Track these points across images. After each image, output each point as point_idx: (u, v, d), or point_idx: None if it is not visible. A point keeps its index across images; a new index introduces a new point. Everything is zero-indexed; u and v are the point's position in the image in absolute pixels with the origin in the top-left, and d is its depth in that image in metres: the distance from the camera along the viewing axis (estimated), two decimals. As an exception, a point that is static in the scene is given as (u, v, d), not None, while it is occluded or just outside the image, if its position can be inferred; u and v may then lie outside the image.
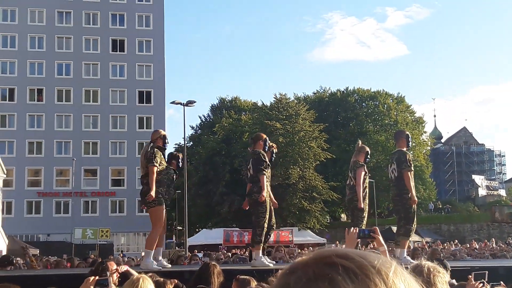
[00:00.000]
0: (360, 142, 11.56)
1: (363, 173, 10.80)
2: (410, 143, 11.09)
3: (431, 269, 3.65)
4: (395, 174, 10.59)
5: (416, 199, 10.55)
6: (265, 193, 9.95)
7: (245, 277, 5.56)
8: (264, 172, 9.98)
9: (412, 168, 10.62)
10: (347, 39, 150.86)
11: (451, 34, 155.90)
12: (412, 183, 10.49)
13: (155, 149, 9.80)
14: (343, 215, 74.20)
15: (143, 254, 11.26)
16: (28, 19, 66.69)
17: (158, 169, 9.64)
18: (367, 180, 11.10)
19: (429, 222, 67.65)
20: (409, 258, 10.48)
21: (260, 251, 9.90)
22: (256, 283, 5.48)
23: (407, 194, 10.48)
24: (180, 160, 10.88)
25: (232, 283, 5.80)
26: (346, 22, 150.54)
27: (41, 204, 63.93)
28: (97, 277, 4.47)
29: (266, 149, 10.43)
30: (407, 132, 11.25)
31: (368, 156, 11.09)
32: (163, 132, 10.26)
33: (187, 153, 50.30)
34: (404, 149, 10.71)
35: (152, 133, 10.37)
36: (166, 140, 10.13)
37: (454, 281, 6.20)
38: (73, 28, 67.30)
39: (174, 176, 10.47)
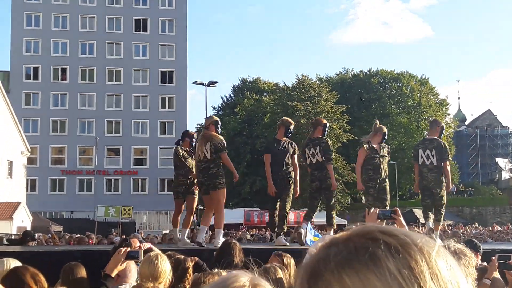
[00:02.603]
0: (378, 122, 11.47)
1: (365, 154, 10.74)
2: (442, 134, 11.29)
3: (457, 251, 3.65)
4: (434, 162, 10.65)
5: (452, 186, 10.87)
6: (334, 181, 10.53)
7: (283, 253, 5.58)
8: (332, 161, 10.58)
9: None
10: (370, 20, 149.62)
11: (476, 15, 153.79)
12: None
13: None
14: (363, 197, 74.08)
15: (164, 231, 11.49)
16: (52, -2, 67.05)
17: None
18: (386, 162, 11.06)
19: (451, 204, 67.15)
20: (439, 240, 10.53)
21: (331, 231, 10.54)
22: (291, 259, 5.49)
23: (445, 183, 10.76)
24: (193, 139, 10.95)
25: (252, 261, 5.84)
26: (370, 3, 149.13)
27: (65, 182, 64.69)
28: (128, 249, 4.52)
29: (324, 134, 10.77)
30: (443, 125, 11.37)
31: (386, 137, 11.06)
32: (216, 118, 10.49)
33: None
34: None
35: (206, 119, 10.67)
36: (219, 125, 10.27)
37: (485, 263, 6.17)
38: (96, 8, 67.50)
39: (185, 153, 10.66)
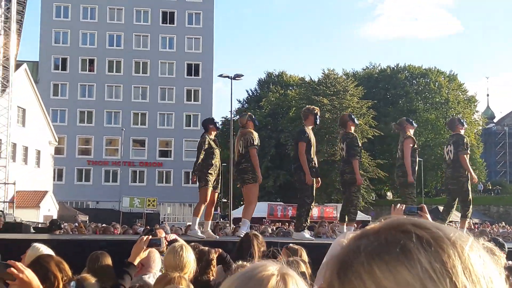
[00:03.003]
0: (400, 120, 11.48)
1: (411, 144, 10.71)
2: (464, 123, 11.13)
3: (485, 250, 3.61)
4: (451, 156, 10.59)
5: (476, 177, 10.64)
6: (359, 176, 10.49)
7: (295, 246, 5.61)
8: (357, 156, 10.53)
9: (469, 152, 10.64)
10: (399, 14, 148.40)
11: (506, 10, 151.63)
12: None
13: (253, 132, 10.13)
14: (389, 193, 73.69)
15: (188, 223, 11.50)
16: (81, -11, 67.64)
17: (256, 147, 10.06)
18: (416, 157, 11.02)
19: (478, 203, 66.45)
20: None
21: (352, 226, 10.49)
22: (305, 253, 5.51)
23: (464, 177, 10.57)
24: (216, 124, 10.92)
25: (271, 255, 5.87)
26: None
27: (91, 172, 65.36)
28: (150, 237, 4.55)
29: (356, 125, 11.00)
30: (458, 116, 11.27)
31: (414, 124, 11.12)
32: (249, 113, 10.68)
33: (233, 127, 50.50)
34: (462, 132, 10.82)
35: (240, 117, 10.81)
36: (255, 119, 10.42)
37: (511, 262, 6.12)
38: (124, 0, 67.90)
39: (213, 144, 10.64)
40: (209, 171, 10.38)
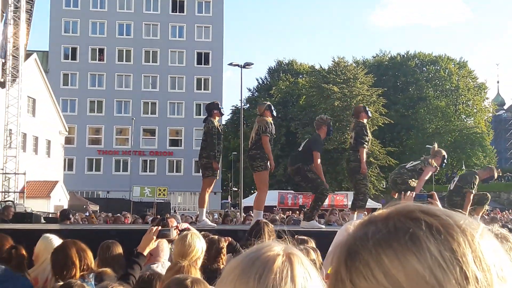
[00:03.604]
0: (436, 145, 11.57)
1: (429, 173, 10.91)
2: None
3: (499, 236, 3.60)
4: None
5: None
6: (364, 165, 10.49)
7: (303, 237, 5.61)
8: (365, 145, 10.52)
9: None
10: (409, 1, 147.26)
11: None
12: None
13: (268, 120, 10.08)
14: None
15: (198, 213, 11.46)
16: (90, -21, 67.62)
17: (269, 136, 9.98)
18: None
19: (488, 190, 65.90)
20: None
21: (361, 214, 10.50)
22: (313, 243, 5.52)
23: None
24: (220, 108, 10.86)
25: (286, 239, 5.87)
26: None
27: (101, 161, 65.59)
28: (159, 227, 4.60)
29: (368, 118, 10.99)
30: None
31: (445, 161, 11.15)
32: (268, 102, 10.51)
33: (243, 115, 50.52)
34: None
35: (259, 105, 10.59)
36: (273, 109, 10.32)
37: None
38: (134, -12, 67.91)
39: (219, 129, 10.60)
40: (215, 159, 10.36)
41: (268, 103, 10.46)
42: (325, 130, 10.49)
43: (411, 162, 11.45)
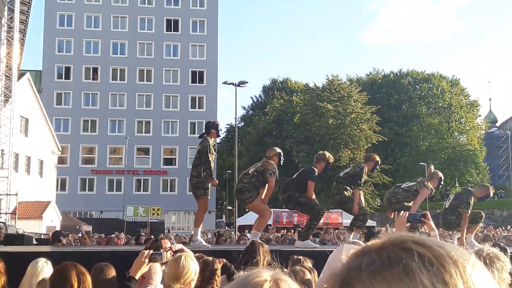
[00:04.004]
0: (432, 167, 11.69)
1: (425, 196, 11.18)
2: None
3: (491, 255, 3.57)
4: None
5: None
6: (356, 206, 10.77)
7: (299, 257, 5.55)
8: (360, 188, 10.90)
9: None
10: (401, 20, 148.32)
11: (508, 14, 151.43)
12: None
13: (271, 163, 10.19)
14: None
15: (193, 232, 11.38)
16: (84, -1, 67.80)
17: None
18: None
19: (482, 207, 65.81)
20: (476, 242, 10.73)
21: (358, 234, 10.88)
22: (310, 263, 5.46)
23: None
24: (219, 128, 10.79)
25: (278, 263, 5.80)
26: (401, 2, 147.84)
27: (95, 181, 65.31)
28: (151, 251, 4.57)
29: (372, 171, 11.50)
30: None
31: (441, 183, 11.29)
32: (279, 150, 10.53)
33: (238, 134, 50.49)
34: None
35: (269, 150, 10.63)
36: (282, 157, 10.42)
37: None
38: (128, 8, 68.07)
39: (212, 149, 10.52)
40: (206, 185, 10.33)
41: (279, 151, 10.50)
42: (323, 166, 10.66)
43: (407, 182, 11.50)
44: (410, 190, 10.98)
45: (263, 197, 10.17)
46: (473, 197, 11.03)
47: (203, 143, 10.33)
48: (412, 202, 10.83)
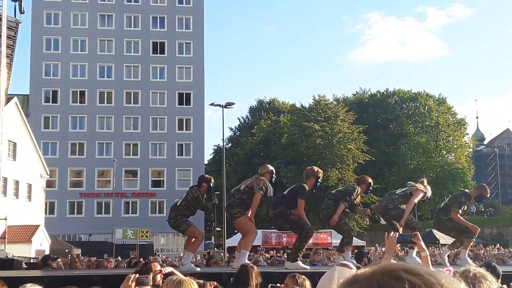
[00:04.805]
0: (425, 180, 11.81)
1: (420, 196, 11.21)
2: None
3: (477, 275, 3.61)
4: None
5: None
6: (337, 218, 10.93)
7: (300, 275, 5.58)
8: (346, 204, 11.02)
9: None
10: (387, 39, 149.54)
11: (493, 33, 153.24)
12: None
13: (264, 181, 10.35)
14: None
15: (181, 254, 11.52)
16: (71, 22, 67.90)
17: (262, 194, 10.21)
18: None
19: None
20: (469, 259, 10.75)
21: (349, 252, 10.90)
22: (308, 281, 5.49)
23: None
24: (211, 184, 11.09)
25: (268, 285, 5.84)
26: (386, 22, 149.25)
27: (83, 204, 64.98)
28: (137, 275, 4.58)
29: (367, 192, 11.68)
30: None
31: (428, 196, 11.45)
32: (271, 168, 10.74)
33: (226, 155, 50.53)
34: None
35: (261, 167, 10.89)
36: (274, 174, 10.59)
37: (505, 286, 6.09)
38: (114, 31, 68.26)
39: (201, 202, 10.88)
40: (185, 218, 10.77)
41: (272, 168, 10.68)
42: (313, 182, 10.76)
43: (400, 189, 11.63)
44: (406, 194, 11.15)
45: (249, 214, 10.28)
46: (467, 197, 11.06)
47: (193, 194, 10.75)
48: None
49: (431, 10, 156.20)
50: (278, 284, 5.76)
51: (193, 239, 10.95)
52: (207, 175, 11.66)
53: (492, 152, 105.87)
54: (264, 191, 10.17)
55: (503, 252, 26.04)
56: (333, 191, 11.87)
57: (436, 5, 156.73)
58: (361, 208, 12.07)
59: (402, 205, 10.99)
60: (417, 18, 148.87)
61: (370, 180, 11.47)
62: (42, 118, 65.33)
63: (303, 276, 5.55)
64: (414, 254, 10.68)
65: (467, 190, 11.37)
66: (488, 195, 11.20)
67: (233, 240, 49.97)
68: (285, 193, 10.76)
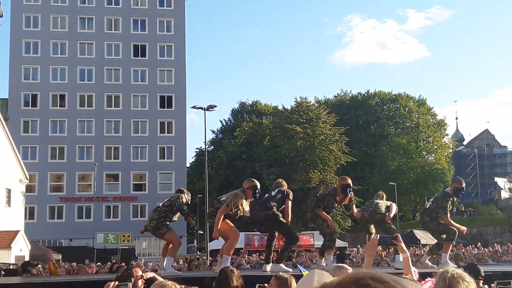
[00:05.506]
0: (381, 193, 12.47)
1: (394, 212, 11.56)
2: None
3: (455, 276, 3.62)
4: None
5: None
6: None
7: (285, 276, 5.53)
8: (321, 207, 11.22)
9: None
10: (367, 41, 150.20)
11: (472, 35, 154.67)
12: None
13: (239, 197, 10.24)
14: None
15: (160, 262, 11.52)
16: (51, 25, 67.37)
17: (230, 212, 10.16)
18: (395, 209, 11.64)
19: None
20: (450, 262, 10.85)
21: (331, 256, 11.09)
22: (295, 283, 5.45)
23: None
24: (189, 199, 11.30)
25: (256, 286, 5.81)
26: (366, 24, 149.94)
27: (64, 209, 64.42)
28: (117, 283, 4.52)
29: (346, 193, 11.42)
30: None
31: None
32: (255, 183, 10.49)
33: (208, 157, 50.38)
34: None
35: (246, 181, 10.70)
36: (257, 190, 10.38)
37: (486, 286, 6.11)
38: (95, 34, 67.83)
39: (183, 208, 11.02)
40: (168, 222, 10.87)
41: (255, 184, 10.42)
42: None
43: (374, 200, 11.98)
44: (387, 207, 11.41)
45: (219, 224, 10.25)
46: (449, 199, 11.15)
47: (179, 201, 10.88)
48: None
49: (410, 12, 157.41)
50: (265, 285, 5.73)
51: (171, 245, 10.93)
52: (183, 189, 11.81)
53: (472, 152, 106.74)
54: (233, 210, 10.10)
55: (483, 251, 26.22)
56: (320, 193, 12.39)
57: (416, 8, 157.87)
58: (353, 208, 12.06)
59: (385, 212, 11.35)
60: (397, 20, 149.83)
61: (347, 182, 11.43)
62: (22, 122, 64.73)
63: (288, 276, 5.52)
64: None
65: (447, 190, 11.42)
66: (462, 186, 11.26)
67: (216, 243, 49.84)
68: (273, 195, 10.74)
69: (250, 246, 40.64)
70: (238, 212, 10.15)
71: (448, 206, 11.07)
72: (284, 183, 11.19)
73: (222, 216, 10.14)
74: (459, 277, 3.61)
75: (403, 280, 0.85)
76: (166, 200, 11.23)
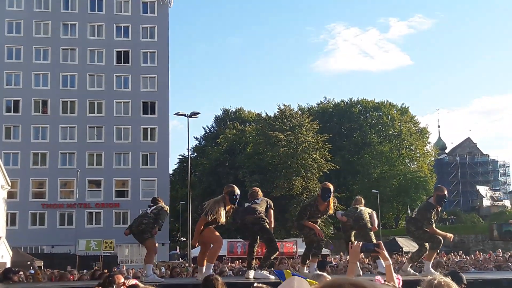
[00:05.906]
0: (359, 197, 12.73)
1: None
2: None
3: (442, 283, 3.67)
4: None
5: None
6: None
7: (262, 285, 5.56)
8: (303, 221, 11.11)
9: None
10: (350, 49, 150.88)
11: (454, 44, 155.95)
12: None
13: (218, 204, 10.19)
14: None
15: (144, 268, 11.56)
16: (33, 31, 67.00)
17: (209, 220, 10.10)
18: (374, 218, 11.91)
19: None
20: (432, 270, 10.93)
21: (314, 264, 11.06)
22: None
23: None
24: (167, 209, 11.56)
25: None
26: (349, 33, 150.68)
27: (45, 215, 63.93)
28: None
29: (324, 198, 11.28)
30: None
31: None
32: (233, 189, 10.37)
33: (191, 164, 50.32)
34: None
35: (226, 186, 10.68)
36: (234, 196, 10.25)
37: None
38: (78, 40, 67.56)
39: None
40: (154, 228, 11.00)
41: (233, 189, 10.32)
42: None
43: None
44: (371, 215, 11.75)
45: (201, 232, 10.27)
46: (433, 210, 11.21)
47: (163, 211, 11.17)
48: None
49: (393, 21, 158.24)
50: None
51: (147, 252, 11.04)
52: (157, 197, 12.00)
53: (454, 160, 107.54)
54: (211, 218, 10.06)
55: (465, 259, 26.44)
56: (305, 202, 12.72)
57: (398, 16, 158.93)
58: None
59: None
60: (379, 28, 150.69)
61: (328, 187, 11.45)
62: (3, 128, 64.25)
63: (266, 286, 5.56)
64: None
65: (430, 200, 11.48)
66: (444, 193, 11.31)
67: (199, 250, 49.75)
68: (258, 203, 10.72)
69: (233, 253, 40.63)
70: (217, 219, 10.13)
71: (432, 217, 11.15)
72: (260, 192, 11.16)
73: (202, 226, 10.14)
74: (446, 285, 3.65)
75: (383, 286, 0.88)
76: (153, 208, 11.30)
